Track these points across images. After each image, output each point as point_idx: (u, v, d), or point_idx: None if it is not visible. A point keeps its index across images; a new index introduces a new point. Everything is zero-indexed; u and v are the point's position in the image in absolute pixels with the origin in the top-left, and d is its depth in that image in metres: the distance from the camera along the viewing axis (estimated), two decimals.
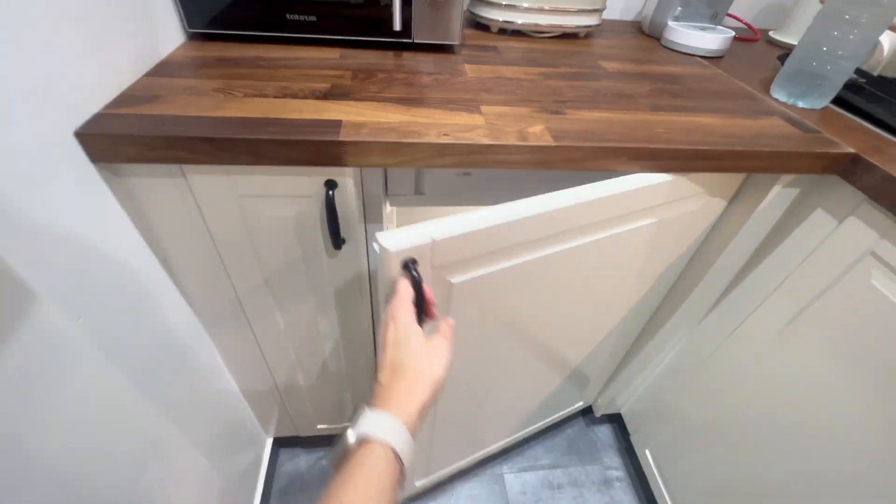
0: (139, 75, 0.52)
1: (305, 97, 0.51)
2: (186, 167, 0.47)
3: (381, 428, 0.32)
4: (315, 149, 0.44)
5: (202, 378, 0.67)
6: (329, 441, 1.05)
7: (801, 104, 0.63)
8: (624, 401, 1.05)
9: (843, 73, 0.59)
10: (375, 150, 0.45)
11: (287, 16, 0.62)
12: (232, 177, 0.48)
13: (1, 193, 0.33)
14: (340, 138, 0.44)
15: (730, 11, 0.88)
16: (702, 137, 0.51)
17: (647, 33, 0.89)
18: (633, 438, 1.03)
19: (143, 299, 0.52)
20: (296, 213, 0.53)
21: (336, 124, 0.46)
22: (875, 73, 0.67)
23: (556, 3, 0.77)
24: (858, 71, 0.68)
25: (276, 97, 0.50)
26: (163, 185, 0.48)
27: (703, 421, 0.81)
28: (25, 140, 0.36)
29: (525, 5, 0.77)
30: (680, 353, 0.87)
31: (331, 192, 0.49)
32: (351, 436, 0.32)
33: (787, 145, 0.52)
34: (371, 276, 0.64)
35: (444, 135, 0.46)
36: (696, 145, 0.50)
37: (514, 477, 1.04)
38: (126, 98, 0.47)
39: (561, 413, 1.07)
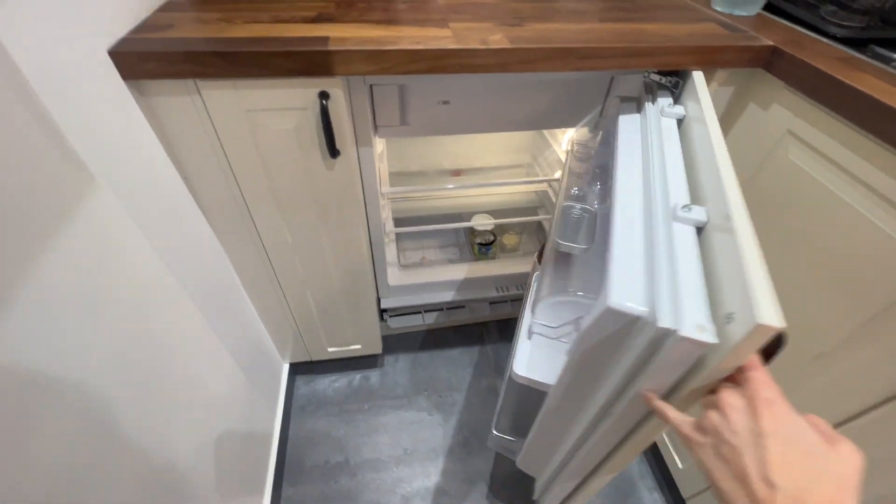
0: (152, 10, 0.60)
1: (296, 22, 0.59)
2: (201, 83, 0.55)
3: None
4: (307, 58, 0.53)
5: (225, 288, 0.77)
6: (340, 365, 1.17)
7: (737, 12, 0.70)
8: None
9: None
10: (358, 58, 0.54)
11: None
12: (240, 91, 0.56)
13: (62, 99, 0.42)
14: (328, 48, 0.53)
15: None
16: (640, 38, 0.60)
17: None
18: None
19: (172, 206, 0.62)
20: (295, 126, 0.61)
21: (324, 40, 0.55)
22: None
23: None
24: None
25: (270, 23, 0.58)
26: (181, 102, 0.57)
27: None
28: (72, 57, 0.44)
29: None
30: None
31: (324, 102, 0.58)
32: None
33: (713, 42, 0.60)
34: (365, 190, 0.73)
35: (417, 43, 0.55)
36: (633, 43, 0.58)
37: None
38: (144, 26, 0.56)
39: None
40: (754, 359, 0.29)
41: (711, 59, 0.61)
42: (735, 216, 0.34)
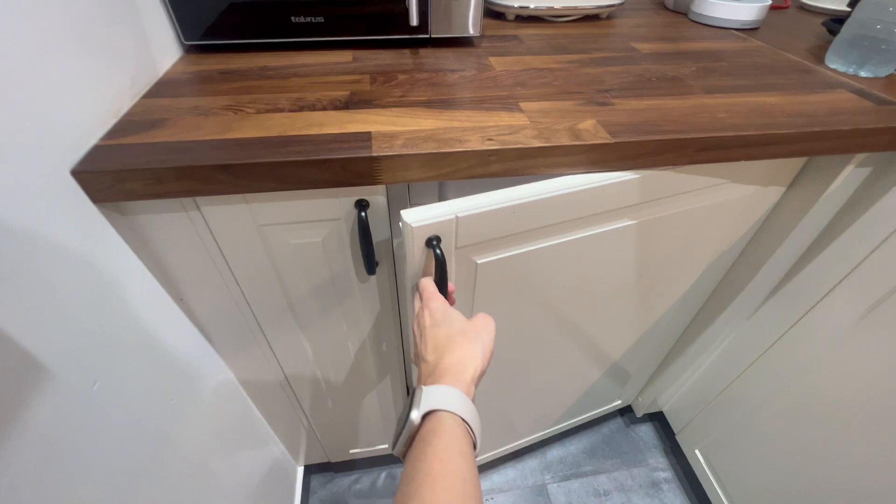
0: (137, 97, 0.46)
1: (325, 108, 0.45)
2: (201, 200, 0.41)
3: (445, 400, 0.31)
4: (346, 167, 0.39)
5: (228, 415, 0.62)
6: (362, 462, 1.01)
7: (862, 73, 0.57)
8: (667, 399, 1.00)
9: None
10: (413, 164, 0.40)
11: (293, 19, 0.56)
12: (251, 205, 0.43)
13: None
14: (373, 153, 0.39)
15: None
16: (770, 119, 0.46)
17: (670, 9, 0.83)
18: (678, 437, 0.98)
19: (160, 343, 0.47)
20: (323, 239, 0.47)
21: (365, 137, 0.41)
22: None
23: None
24: None
25: (292, 111, 0.45)
26: (175, 220, 0.43)
27: (757, 419, 0.76)
28: (15, 184, 0.30)
29: None
30: (730, 349, 0.82)
31: (363, 214, 0.44)
32: (416, 415, 0.30)
33: (864, 121, 0.46)
34: (400, 293, 0.59)
35: (489, 140, 0.41)
36: (766, 129, 0.44)
37: (557, 487, 1.00)
38: (126, 125, 0.42)
39: (599, 410, 1.02)
40: (427, 279, 0.42)
41: (863, 143, 0.47)
42: None
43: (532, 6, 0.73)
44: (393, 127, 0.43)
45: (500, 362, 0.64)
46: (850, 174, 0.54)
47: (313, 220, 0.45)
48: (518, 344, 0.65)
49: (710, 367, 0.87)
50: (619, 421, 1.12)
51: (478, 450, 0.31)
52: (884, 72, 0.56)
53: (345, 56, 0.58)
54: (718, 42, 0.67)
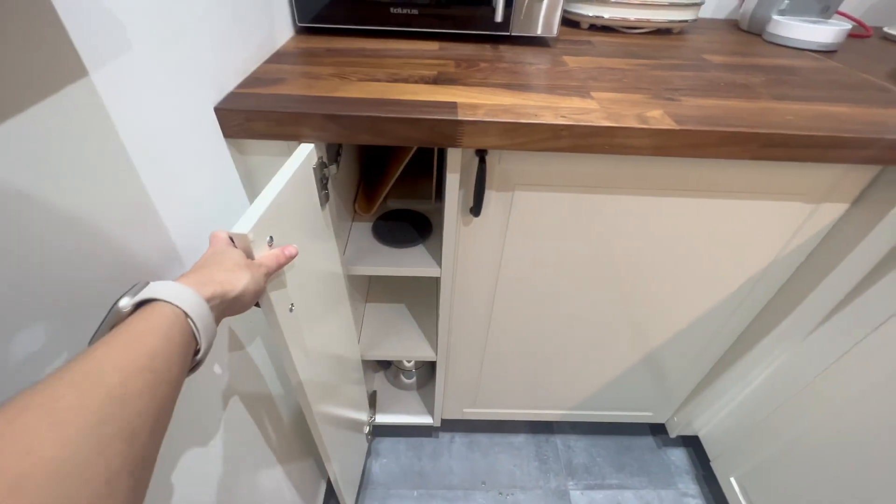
0: (261, 62, 0.55)
1: (416, 82, 0.52)
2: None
3: (171, 293, 0.26)
4: (434, 128, 0.44)
5: None
6: (387, 430, 1.05)
7: None
8: (703, 423, 0.98)
9: None
10: (493, 131, 0.45)
11: (391, 10, 0.64)
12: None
13: (160, 167, 0.35)
14: (459, 117, 0.44)
15: (840, 9, 0.82)
16: (839, 124, 0.47)
17: (745, 30, 0.84)
18: (713, 464, 0.95)
19: None
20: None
21: (452, 105, 0.46)
22: None
23: None
24: None
25: (388, 81, 0.51)
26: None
27: (805, 451, 0.73)
28: (176, 117, 0.38)
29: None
30: (777, 373, 0.79)
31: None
32: (125, 302, 0.26)
33: None
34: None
35: (561, 116, 0.45)
36: (836, 132, 0.46)
37: (580, 494, 0.99)
38: (253, 80, 0.50)
39: (627, 413, 1.00)
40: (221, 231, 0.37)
41: None
42: None
43: (606, 16, 0.77)
44: (476, 100, 0.48)
45: (525, 315, 0.72)
46: None
47: None
48: (542, 300, 0.71)
49: (756, 390, 0.84)
50: (650, 440, 1.09)
51: (201, 356, 0.28)
52: None
53: (432, 45, 0.65)
54: (792, 60, 0.69)
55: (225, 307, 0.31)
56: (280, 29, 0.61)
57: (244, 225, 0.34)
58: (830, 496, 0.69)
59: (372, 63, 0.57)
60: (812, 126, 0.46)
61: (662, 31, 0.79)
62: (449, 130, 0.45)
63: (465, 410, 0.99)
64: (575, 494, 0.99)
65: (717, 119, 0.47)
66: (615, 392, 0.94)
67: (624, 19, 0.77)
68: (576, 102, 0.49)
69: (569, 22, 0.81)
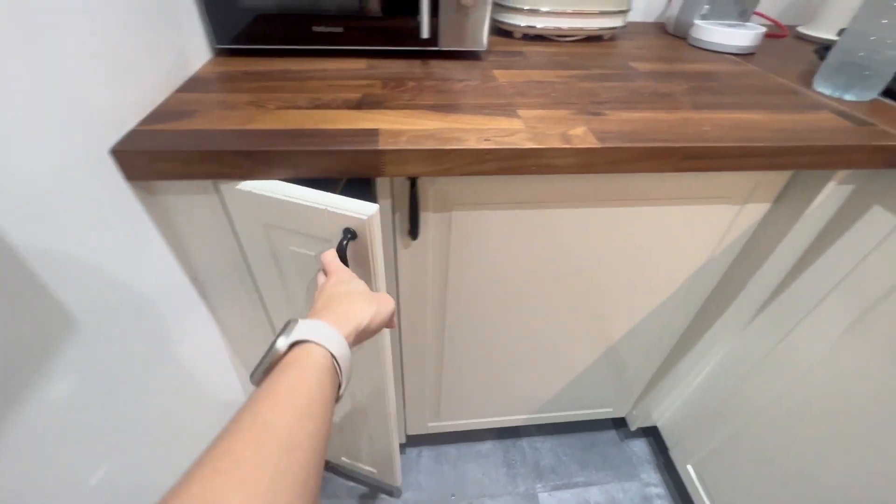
0: (171, 91, 0.51)
1: (338, 107, 0.50)
2: (221, 183, 0.45)
3: (318, 333, 0.30)
4: (355, 159, 0.43)
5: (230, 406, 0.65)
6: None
7: (847, 97, 0.60)
8: (660, 413, 1.01)
9: (892, 63, 0.56)
10: (416, 159, 0.44)
11: (314, 28, 0.62)
12: (259, 202, 0.46)
13: (40, 214, 0.32)
14: (380, 147, 0.43)
15: (757, 9, 0.86)
16: (752, 133, 0.49)
17: (671, 33, 0.87)
18: (672, 453, 0.98)
19: (174, 319, 0.51)
20: (317, 255, 0.50)
21: (373, 133, 0.45)
22: None
23: (578, 5, 0.76)
24: None
25: (308, 108, 0.49)
26: (196, 202, 0.47)
27: (754, 434, 0.77)
28: (61, 157, 0.35)
29: (546, 9, 0.76)
30: (723, 361, 0.83)
31: (345, 242, 0.44)
32: (282, 343, 0.29)
33: (842, 138, 0.49)
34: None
35: (485, 140, 0.45)
36: (747, 142, 0.47)
37: (548, 496, 1.00)
38: (160, 114, 0.47)
39: (588, 411, 1.02)
40: (331, 252, 0.42)
41: (840, 160, 0.50)
42: None
43: (539, 26, 0.77)
44: (399, 126, 0.47)
45: (479, 326, 0.73)
46: (832, 191, 0.56)
47: (307, 234, 0.48)
48: (494, 313, 0.71)
49: (704, 380, 0.88)
50: (613, 434, 1.12)
51: (342, 391, 0.31)
52: (867, 96, 0.59)
53: (360, 64, 0.63)
54: (713, 64, 0.71)
55: (355, 340, 0.34)
56: (194, 52, 0.58)
57: (360, 210, 0.41)
58: (779, 479, 0.72)
59: (294, 87, 0.54)
60: (727, 137, 0.48)
61: (593, 38, 0.81)
62: (370, 161, 0.43)
63: (429, 425, 0.98)
64: (543, 496, 1.00)
65: (639, 134, 0.48)
66: (575, 392, 0.96)
67: (557, 28, 0.78)
68: (502, 123, 0.48)
69: (502, 32, 0.81)
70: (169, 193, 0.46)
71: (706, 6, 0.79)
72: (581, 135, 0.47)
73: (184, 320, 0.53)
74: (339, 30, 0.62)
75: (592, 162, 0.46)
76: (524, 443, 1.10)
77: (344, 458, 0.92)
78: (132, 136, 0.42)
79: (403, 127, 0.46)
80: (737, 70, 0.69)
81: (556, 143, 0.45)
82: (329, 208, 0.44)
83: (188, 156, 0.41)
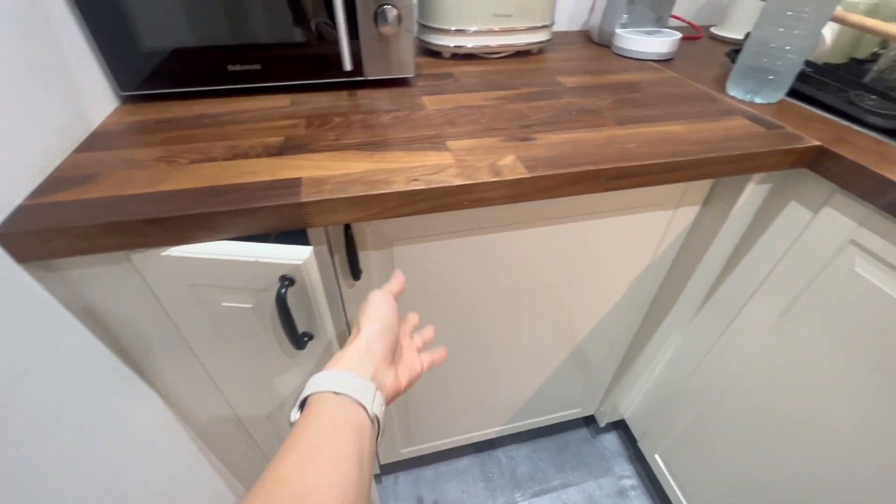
0: (68, 152, 0.47)
1: (258, 155, 0.47)
2: (133, 253, 0.42)
3: (313, 385, 0.31)
4: (277, 213, 0.41)
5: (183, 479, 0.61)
6: None
7: (757, 100, 0.63)
8: (626, 406, 1.04)
9: (793, 67, 0.60)
10: (342, 207, 0.42)
11: (228, 67, 0.58)
12: (181, 264, 0.43)
13: None
14: (302, 199, 0.41)
15: (672, 13, 0.90)
16: (674, 148, 0.51)
17: (596, 42, 0.90)
18: (640, 444, 1.02)
19: (101, 402, 0.47)
20: (255, 306, 0.47)
21: (295, 183, 0.43)
22: (821, 63, 0.69)
23: (506, 23, 0.76)
24: (807, 62, 0.70)
25: (225, 159, 0.46)
26: (107, 273, 0.43)
27: (707, 420, 0.80)
28: None
29: (474, 28, 0.76)
30: (676, 354, 0.86)
31: (283, 290, 0.43)
32: (294, 415, 0.31)
33: (755, 145, 0.52)
34: None
35: (414, 180, 0.44)
36: (670, 157, 0.49)
37: (528, 503, 1.01)
38: (54, 181, 0.42)
39: (558, 415, 1.04)
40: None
41: (755, 165, 0.52)
42: None
43: (468, 45, 0.77)
44: (324, 172, 0.45)
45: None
46: (752, 191, 0.59)
47: (241, 288, 0.45)
48: (454, 337, 0.71)
49: (662, 373, 0.91)
50: (584, 432, 1.15)
51: (381, 434, 0.33)
52: (774, 98, 0.63)
53: (283, 100, 0.60)
54: (635, 74, 0.73)
55: (377, 361, 0.35)
56: (95, 104, 0.53)
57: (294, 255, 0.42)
58: (737, 459, 0.76)
59: (210, 134, 0.51)
60: (650, 153, 0.49)
61: (522, 53, 0.81)
62: (294, 215, 0.41)
63: (401, 451, 0.96)
64: None
65: (566, 158, 0.48)
66: (544, 397, 0.97)
67: (485, 46, 0.78)
68: (431, 158, 0.47)
69: (432, 52, 0.80)
70: (72, 269, 0.42)
71: (625, 16, 0.82)
72: (510, 165, 0.47)
73: (115, 400, 0.49)
74: (257, 67, 0.59)
75: (523, 192, 0.46)
76: (500, 453, 1.10)
77: None
78: (20, 213, 0.38)
79: (328, 173, 0.44)
80: (657, 78, 0.72)
81: (486, 177, 0.44)
82: (260, 259, 0.42)
83: (87, 231, 0.37)
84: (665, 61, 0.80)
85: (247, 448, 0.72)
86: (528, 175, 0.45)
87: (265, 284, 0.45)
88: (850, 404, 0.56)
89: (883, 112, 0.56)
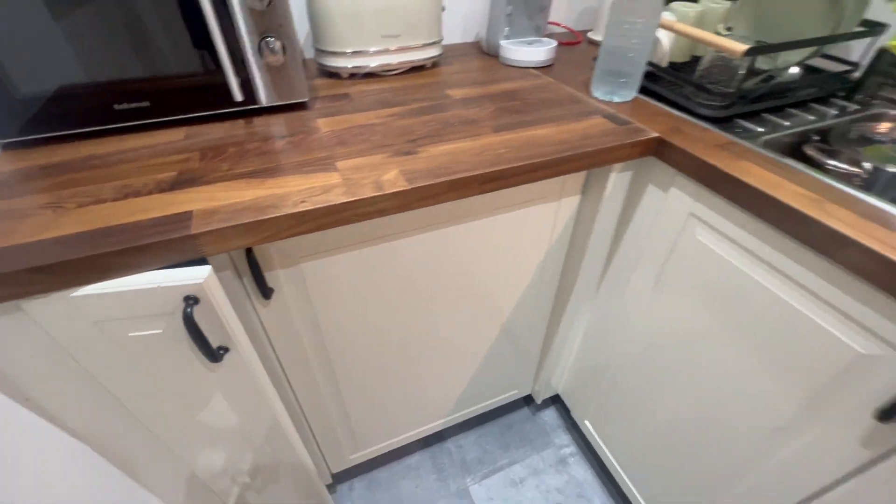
0: None
1: (150, 192, 0.49)
2: (23, 303, 0.43)
3: None
4: (168, 248, 0.43)
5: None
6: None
7: (616, 99, 0.73)
8: (558, 381, 1.13)
9: (638, 68, 0.70)
10: (233, 234, 0.45)
11: (115, 107, 0.59)
12: (78, 305, 0.44)
13: None
14: (192, 231, 0.43)
15: (553, 18, 1.00)
16: (537, 150, 0.58)
17: (486, 52, 0.97)
18: (573, 414, 1.11)
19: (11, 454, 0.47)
20: (165, 329, 0.49)
21: (186, 217, 0.45)
22: (664, 64, 0.80)
23: (401, 41, 0.82)
24: (651, 63, 0.81)
25: (115, 200, 0.48)
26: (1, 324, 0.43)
27: (618, 382, 0.90)
28: None
29: (373, 49, 0.80)
30: (588, 327, 0.96)
31: (189, 310, 0.45)
32: None
33: (606, 141, 0.61)
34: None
35: (302, 202, 0.48)
36: (532, 159, 0.56)
37: (478, 486, 1.07)
38: None
39: (496, 399, 1.11)
40: None
41: (608, 158, 0.61)
42: None
43: (372, 65, 0.81)
44: (215, 202, 0.48)
45: (367, 355, 0.77)
46: (616, 179, 0.69)
47: (149, 315, 0.47)
48: (381, 341, 0.75)
49: (580, 346, 1.01)
50: (525, 411, 1.23)
51: None
52: (629, 96, 0.73)
53: (177, 134, 0.62)
54: (518, 82, 0.81)
55: None
56: None
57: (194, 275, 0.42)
58: (646, 414, 0.86)
59: (100, 176, 0.52)
60: (517, 157, 0.57)
61: (417, 69, 0.87)
62: (186, 247, 0.44)
63: (350, 457, 0.99)
64: (474, 489, 1.07)
65: (444, 168, 0.54)
66: (481, 384, 1.03)
67: (382, 65, 0.83)
68: (319, 179, 0.52)
69: (331, 73, 0.84)
70: None
71: (506, 28, 0.90)
72: (393, 179, 0.52)
73: (38, 457, 0.48)
74: (146, 104, 0.60)
75: (406, 202, 0.51)
76: (449, 444, 1.16)
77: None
78: None
79: (219, 203, 0.47)
80: (536, 84, 0.80)
81: (369, 192, 0.49)
82: (161, 284, 0.44)
83: None
84: (545, 67, 0.89)
85: (171, 469, 0.72)
86: (409, 187, 0.51)
87: (171, 308, 0.47)
88: (712, 351, 0.66)
89: (707, 103, 0.67)
